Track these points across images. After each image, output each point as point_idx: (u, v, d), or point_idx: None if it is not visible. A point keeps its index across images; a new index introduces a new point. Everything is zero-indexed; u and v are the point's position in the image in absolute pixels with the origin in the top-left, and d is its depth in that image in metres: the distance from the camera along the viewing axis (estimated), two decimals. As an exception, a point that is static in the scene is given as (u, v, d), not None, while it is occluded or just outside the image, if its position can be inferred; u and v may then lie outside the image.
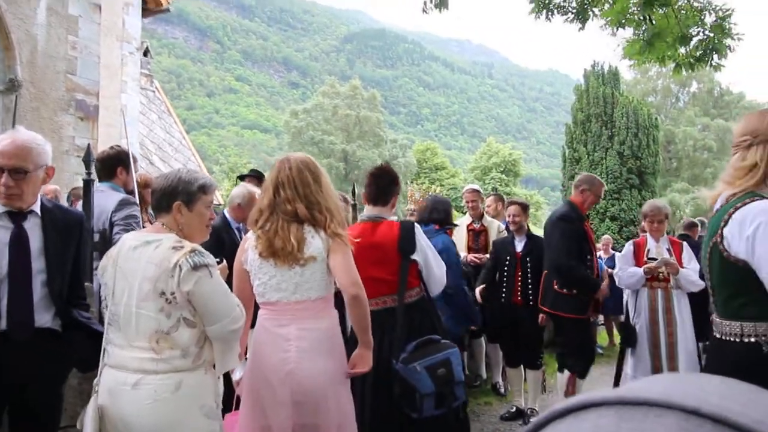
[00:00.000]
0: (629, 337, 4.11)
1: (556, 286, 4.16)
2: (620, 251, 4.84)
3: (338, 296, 2.53)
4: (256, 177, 5.57)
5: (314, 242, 2.35)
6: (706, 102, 41.10)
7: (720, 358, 1.78)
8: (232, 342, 2.19)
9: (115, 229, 2.92)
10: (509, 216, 4.85)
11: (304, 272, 2.34)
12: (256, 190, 3.89)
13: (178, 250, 2.08)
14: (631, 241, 4.52)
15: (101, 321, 2.41)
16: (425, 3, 5.42)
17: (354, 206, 5.45)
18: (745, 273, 1.64)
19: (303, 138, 40.44)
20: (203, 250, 2.15)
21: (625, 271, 4.22)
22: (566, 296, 4.09)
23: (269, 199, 2.46)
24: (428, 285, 3.11)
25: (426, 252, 3.07)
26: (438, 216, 4.19)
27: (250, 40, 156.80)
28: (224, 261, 2.54)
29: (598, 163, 23.81)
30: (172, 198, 2.16)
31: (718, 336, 1.78)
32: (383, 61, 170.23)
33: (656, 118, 26.16)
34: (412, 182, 41.34)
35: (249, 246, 2.47)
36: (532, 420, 0.44)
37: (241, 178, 5.88)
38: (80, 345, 2.38)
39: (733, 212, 1.70)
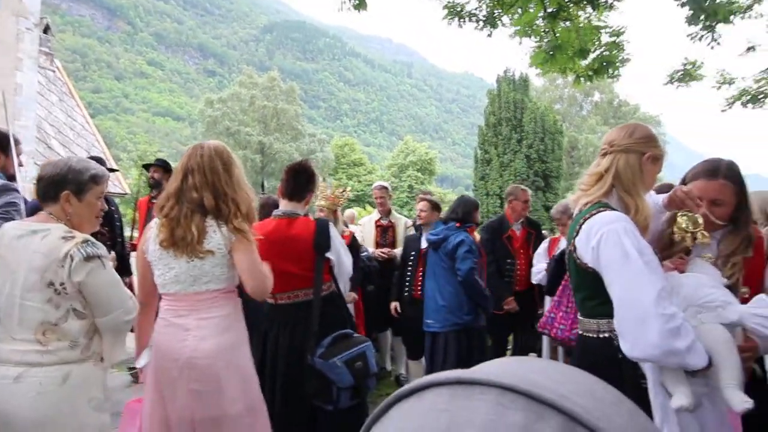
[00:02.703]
0: None
1: None
2: None
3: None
4: (161, 167, 5.41)
5: (215, 237, 2.33)
6: (607, 112, 43.87)
7: (583, 352, 1.96)
8: (122, 334, 2.16)
9: (-7, 218, 2.75)
10: (418, 211, 5.01)
11: (203, 265, 2.32)
12: None
13: (68, 240, 2.03)
14: (548, 239, 4.97)
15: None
16: (342, 3, 5.46)
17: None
18: (596, 278, 1.78)
19: (218, 128, 39.23)
20: (95, 240, 2.10)
21: (535, 267, 4.71)
22: None
23: (177, 185, 2.41)
24: (338, 277, 3.19)
25: (339, 249, 3.15)
26: (455, 216, 4.43)
27: (164, 23, 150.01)
28: (113, 252, 2.47)
29: (508, 165, 24.87)
30: (61, 187, 2.09)
31: (580, 332, 1.96)
32: (303, 54, 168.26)
33: (561, 125, 27.66)
34: (329, 176, 41.32)
35: (150, 236, 2.43)
36: (384, 401, 0.46)
37: (146, 167, 5.68)
38: None
39: (582, 223, 1.84)
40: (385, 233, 5.71)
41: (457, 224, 4.37)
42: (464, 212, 4.46)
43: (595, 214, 1.81)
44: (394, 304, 4.95)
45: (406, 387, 0.45)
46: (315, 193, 3.45)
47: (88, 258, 2.02)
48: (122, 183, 16.09)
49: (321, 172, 39.97)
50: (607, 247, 1.71)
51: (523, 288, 4.94)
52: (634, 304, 1.63)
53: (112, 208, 4.66)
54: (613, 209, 1.84)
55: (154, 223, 2.45)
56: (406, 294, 4.86)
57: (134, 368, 2.50)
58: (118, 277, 2.17)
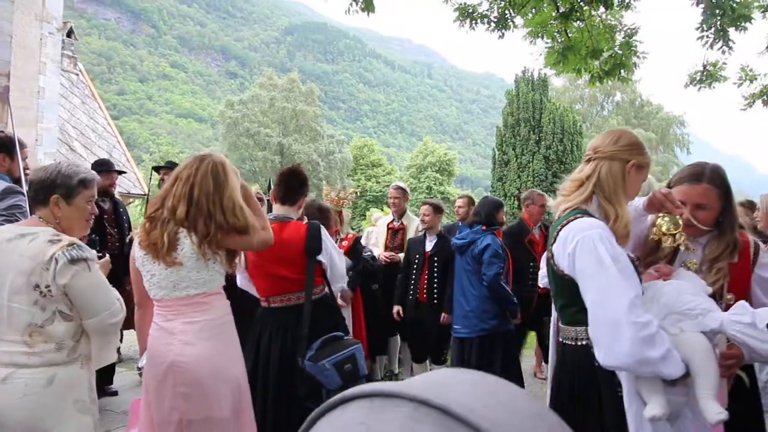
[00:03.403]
0: None
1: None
2: None
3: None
4: (171, 169, 5.47)
5: (186, 244, 2.32)
6: (628, 112, 43.26)
7: (562, 360, 1.93)
8: (110, 336, 2.19)
9: (-2, 219, 2.81)
10: (420, 215, 4.99)
11: (180, 271, 2.34)
12: None
13: (54, 244, 2.06)
14: None
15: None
16: (350, 5, 5.46)
17: (269, 201, 5.43)
18: (573, 285, 1.76)
19: (238, 129, 39.60)
20: (82, 243, 2.13)
21: (542, 270, 4.59)
22: None
23: (165, 190, 2.43)
24: (332, 280, 3.20)
25: (331, 252, 3.16)
26: (479, 218, 4.42)
27: (187, 26, 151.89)
28: (107, 255, 2.50)
29: (526, 166, 24.64)
30: (50, 191, 2.13)
31: (560, 339, 1.93)
32: (324, 56, 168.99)
33: (581, 126, 27.31)
34: (348, 177, 41.42)
35: (136, 243, 2.46)
36: (313, 412, 0.47)
37: (156, 169, 5.75)
38: None
39: (560, 230, 1.82)
40: (395, 236, 5.69)
41: (483, 227, 4.34)
42: (487, 214, 4.42)
43: (572, 220, 1.79)
44: (397, 308, 4.93)
45: (333, 399, 0.46)
46: (308, 196, 3.47)
47: (73, 261, 2.04)
48: (143, 184, 16.32)
49: (339, 173, 40.21)
50: (582, 254, 1.69)
51: (546, 290, 4.93)
52: (606, 311, 1.60)
53: (121, 209, 4.73)
54: (592, 216, 1.80)
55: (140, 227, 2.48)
56: (410, 297, 4.84)
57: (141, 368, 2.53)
58: (105, 279, 2.19)
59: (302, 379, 2.87)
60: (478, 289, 4.26)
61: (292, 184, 3.21)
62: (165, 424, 2.31)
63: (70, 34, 16.68)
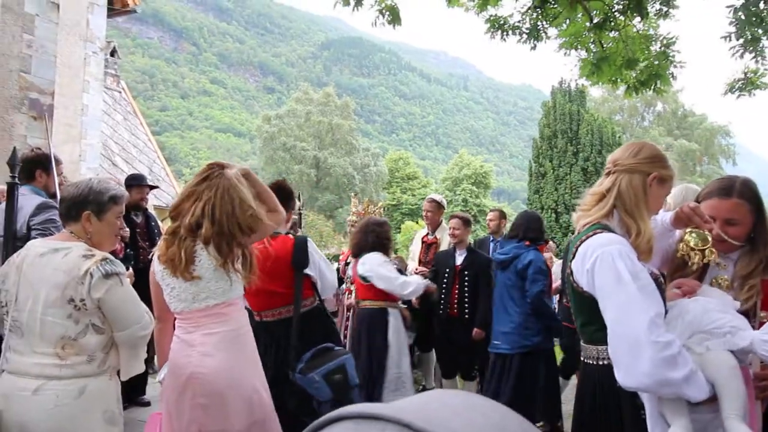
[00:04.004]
0: None
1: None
2: None
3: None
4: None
5: (203, 256, 2.34)
6: (670, 122, 42.21)
7: (583, 380, 1.87)
8: (139, 348, 2.23)
9: (33, 234, 2.91)
10: (450, 229, 4.95)
11: (199, 282, 2.36)
12: None
13: (88, 258, 2.12)
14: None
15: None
16: (376, 18, 5.51)
17: (300, 215, 5.47)
18: (594, 302, 1.71)
19: (275, 143, 40.24)
20: (113, 258, 2.19)
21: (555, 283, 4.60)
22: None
23: (182, 206, 2.42)
24: (322, 292, 3.23)
25: (319, 263, 3.21)
26: (516, 233, 4.36)
27: (226, 43, 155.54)
28: (130, 269, 2.55)
29: (563, 179, 24.26)
30: (82, 207, 2.20)
31: (582, 359, 1.87)
32: (360, 69, 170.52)
33: (620, 137, 26.77)
34: (383, 190, 41.53)
35: (156, 257, 2.50)
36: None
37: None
38: None
39: (579, 245, 1.77)
40: (429, 249, 5.65)
41: (527, 243, 4.27)
42: (527, 228, 4.35)
43: (592, 235, 1.74)
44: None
45: (320, 420, 0.47)
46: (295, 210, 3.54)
47: (107, 275, 2.10)
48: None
49: (375, 186, 40.35)
50: (601, 271, 1.64)
51: None
52: (625, 330, 1.55)
53: (152, 223, 4.83)
54: (612, 231, 1.75)
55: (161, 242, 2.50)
56: (441, 312, 4.79)
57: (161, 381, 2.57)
58: (135, 293, 2.25)
59: (292, 391, 2.91)
60: (520, 305, 4.18)
61: (278, 197, 3.24)
62: None
63: (113, 53, 17.26)
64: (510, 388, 4.07)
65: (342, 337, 4.94)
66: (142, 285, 2.59)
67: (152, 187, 5.36)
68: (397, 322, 4.33)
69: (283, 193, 3.25)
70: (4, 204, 3.23)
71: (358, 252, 4.40)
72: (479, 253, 4.89)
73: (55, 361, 2.08)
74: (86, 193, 2.21)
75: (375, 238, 4.32)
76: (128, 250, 4.30)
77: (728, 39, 5.07)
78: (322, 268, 3.20)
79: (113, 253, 3.90)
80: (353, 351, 4.21)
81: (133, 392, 4.56)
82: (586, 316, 1.80)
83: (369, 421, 0.45)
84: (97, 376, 2.14)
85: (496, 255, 4.43)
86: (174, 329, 2.51)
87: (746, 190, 1.90)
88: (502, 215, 5.77)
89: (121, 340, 2.19)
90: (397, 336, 4.27)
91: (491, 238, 5.84)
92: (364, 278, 4.28)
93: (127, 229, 4.39)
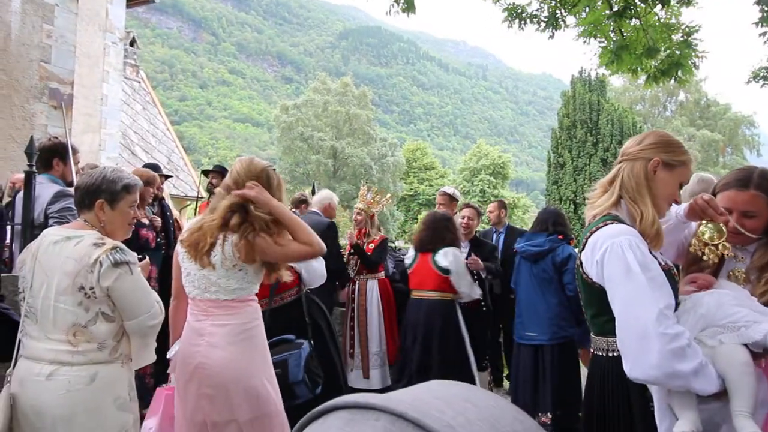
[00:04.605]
0: None
1: None
2: None
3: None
4: (219, 173, 5.61)
5: (218, 250, 2.36)
6: (693, 112, 41.50)
7: (593, 371, 1.86)
8: (149, 337, 2.25)
9: (50, 221, 2.95)
10: (464, 218, 4.95)
11: (210, 275, 2.38)
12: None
13: (99, 247, 2.14)
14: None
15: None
16: (391, 6, 5.46)
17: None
18: (604, 293, 1.69)
19: (293, 133, 40.28)
20: (124, 247, 2.20)
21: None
22: None
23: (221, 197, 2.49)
24: (309, 281, 3.25)
25: None
26: (544, 228, 4.44)
27: (245, 32, 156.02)
28: (146, 258, 2.58)
29: (582, 169, 24.04)
30: (95, 196, 2.21)
31: (591, 350, 1.86)
32: (378, 59, 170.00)
33: (641, 127, 26.42)
34: (400, 180, 41.45)
35: (181, 238, 2.54)
36: (299, 422, 0.49)
37: (205, 173, 5.91)
38: None
39: (589, 236, 1.76)
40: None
41: (560, 236, 4.34)
42: (555, 222, 4.43)
43: (602, 227, 1.72)
44: None
45: (317, 409, 0.48)
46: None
47: (116, 264, 2.12)
48: (199, 187, 16.84)
49: (392, 177, 40.28)
50: (611, 261, 1.63)
51: None
52: (633, 321, 1.54)
53: (168, 213, 4.88)
54: (622, 222, 1.73)
55: (193, 221, 2.54)
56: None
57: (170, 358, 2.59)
58: (145, 282, 2.27)
59: None
60: (557, 297, 4.22)
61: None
62: (190, 423, 2.37)
63: (132, 43, 17.40)
64: (552, 378, 4.13)
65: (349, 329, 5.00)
66: (162, 272, 2.63)
67: (166, 177, 5.40)
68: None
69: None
70: (21, 192, 3.29)
71: (430, 246, 4.45)
72: (484, 241, 4.99)
73: (67, 347, 2.11)
74: (99, 182, 2.22)
75: (450, 233, 4.46)
76: (159, 240, 4.35)
77: (759, 25, 4.97)
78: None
79: (146, 241, 3.96)
80: (412, 339, 4.37)
81: (158, 380, 4.63)
82: (596, 308, 1.79)
83: (363, 411, 0.45)
84: (108, 363, 2.16)
85: (527, 247, 4.41)
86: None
87: (764, 181, 1.85)
88: (502, 205, 5.75)
89: (132, 329, 2.21)
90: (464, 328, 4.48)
91: (494, 230, 5.81)
92: (444, 270, 4.37)
93: (159, 218, 4.44)
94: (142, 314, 2.18)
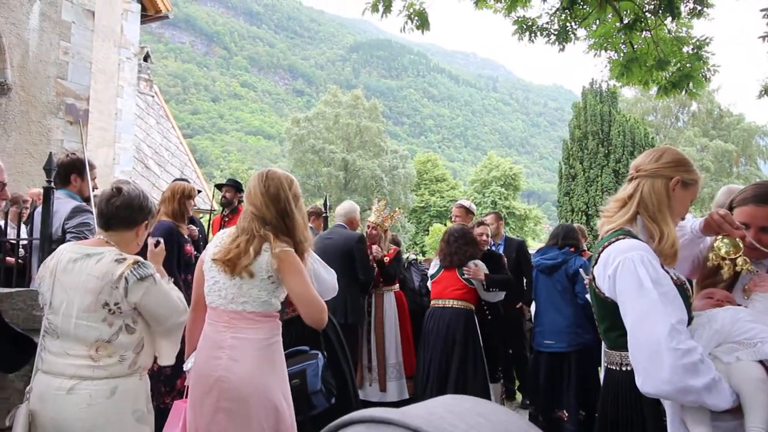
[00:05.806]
0: None
1: None
2: None
3: None
4: (233, 186, 5.67)
5: (259, 260, 2.36)
6: (706, 123, 41.21)
7: (607, 385, 1.86)
8: (174, 335, 2.34)
9: (68, 237, 2.99)
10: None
11: (242, 285, 2.36)
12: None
13: (121, 263, 2.18)
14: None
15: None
16: (405, 23, 5.52)
17: (326, 218, 5.52)
18: (616, 308, 1.70)
19: (304, 146, 40.51)
20: (144, 260, 2.24)
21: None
22: None
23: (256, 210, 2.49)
24: (321, 293, 3.24)
25: (313, 266, 3.16)
26: (556, 241, 4.76)
27: (256, 46, 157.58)
28: (161, 242, 2.57)
29: (594, 180, 23.93)
30: (144, 218, 2.36)
31: (605, 364, 1.86)
32: (388, 72, 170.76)
33: (653, 138, 26.29)
34: (411, 192, 41.48)
35: (212, 245, 2.53)
36: None
37: (219, 187, 5.96)
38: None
39: (601, 251, 1.77)
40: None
41: (572, 249, 4.64)
42: (565, 236, 4.73)
43: (614, 241, 1.73)
44: None
45: (333, 424, 0.49)
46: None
47: (142, 279, 2.18)
48: (212, 201, 16.97)
49: (403, 188, 40.33)
50: (623, 277, 1.64)
51: None
52: (646, 336, 1.54)
53: (197, 228, 4.90)
54: (635, 237, 1.74)
55: (222, 233, 2.54)
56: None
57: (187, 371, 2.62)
58: (167, 287, 2.32)
59: None
60: (573, 306, 4.49)
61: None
62: None
63: (146, 58, 17.63)
64: (574, 385, 4.36)
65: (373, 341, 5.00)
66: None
67: (198, 191, 5.44)
68: None
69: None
70: (40, 207, 3.34)
71: (458, 262, 4.69)
72: (495, 254, 5.08)
73: (88, 362, 2.14)
74: (150, 206, 2.37)
75: (472, 247, 4.75)
76: (196, 252, 4.38)
77: (765, 40, 4.96)
78: (318, 271, 3.17)
79: (189, 257, 4.01)
80: (433, 347, 4.52)
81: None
82: (609, 322, 1.79)
83: (380, 426, 0.46)
84: (127, 376, 2.20)
85: (542, 260, 4.71)
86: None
87: None
88: (499, 217, 5.81)
89: (161, 333, 2.30)
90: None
91: (491, 242, 5.81)
92: (469, 281, 4.64)
93: (196, 229, 4.46)
94: (172, 317, 2.28)
